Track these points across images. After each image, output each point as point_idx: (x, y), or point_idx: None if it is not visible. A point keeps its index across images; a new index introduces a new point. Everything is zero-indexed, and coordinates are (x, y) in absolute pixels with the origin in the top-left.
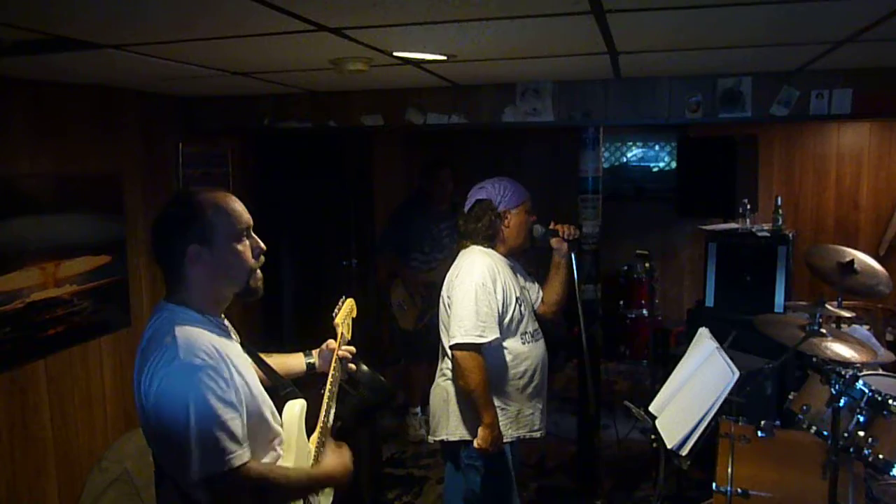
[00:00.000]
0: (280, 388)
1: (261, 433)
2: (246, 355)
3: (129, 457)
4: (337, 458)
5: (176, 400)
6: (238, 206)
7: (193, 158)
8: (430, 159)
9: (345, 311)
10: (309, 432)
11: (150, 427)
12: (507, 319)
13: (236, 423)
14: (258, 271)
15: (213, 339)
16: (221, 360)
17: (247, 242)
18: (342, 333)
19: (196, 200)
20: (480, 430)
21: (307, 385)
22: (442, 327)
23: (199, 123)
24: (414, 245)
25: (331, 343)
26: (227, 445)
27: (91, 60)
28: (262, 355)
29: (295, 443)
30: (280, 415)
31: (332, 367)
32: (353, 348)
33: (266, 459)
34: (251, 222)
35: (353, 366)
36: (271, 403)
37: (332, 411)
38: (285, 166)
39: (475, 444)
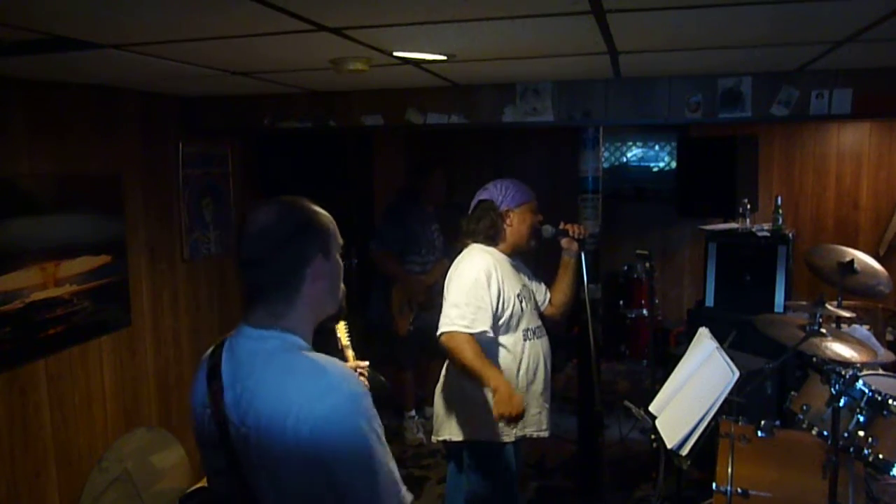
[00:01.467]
0: None
1: None
2: None
3: (129, 457)
4: None
5: (354, 434)
6: None
7: (193, 158)
8: (423, 158)
9: (344, 333)
10: None
11: (302, 469)
12: (506, 315)
13: (389, 454)
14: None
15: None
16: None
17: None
18: (353, 356)
19: (311, 208)
20: (495, 399)
21: None
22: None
23: (199, 123)
24: (412, 248)
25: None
26: (399, 480)
27: (91, 60)
28: None
29: None
30: None
31: None
32: (365, 363)
33: None
34: None
35: (367, 382)
36: None
37: None
38: (285, 166)
39: (495, 415)
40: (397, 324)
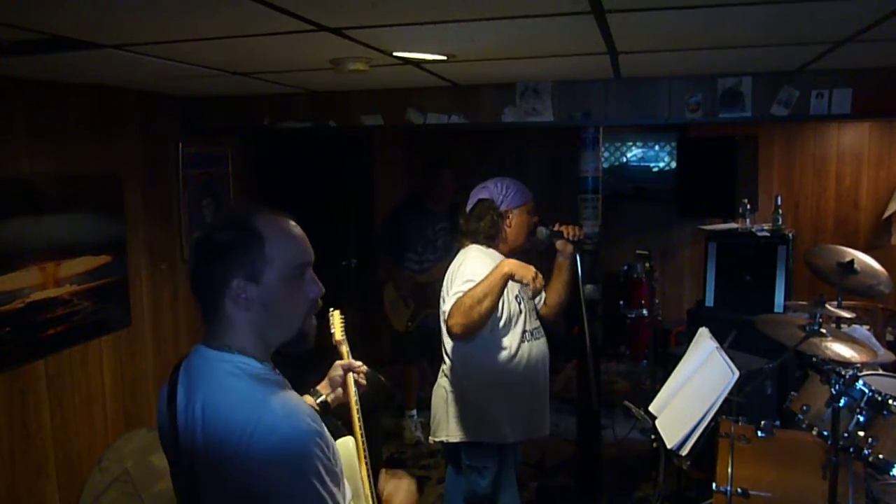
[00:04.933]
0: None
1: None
2: None
3: (129, 457)
4: (406, 493)
5: (287, 478)
6: (301, 236)
7: (193, 158)
8: (432, 159)
9: (339, 325)
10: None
11: (242, 500)
12: (504, 316)
13: (340, 496)
14: (313, 317)
15: (293, 393)
16: (316, 417)
17: (303, 281)
18: (348, 351)
19: (253, 224)
20: (514, 271)
21: None
22: (442, 325)
23: (199, 123)
24: (408, 245)
25: (338, 365)
26: None
27: (91, 60)
28: None
29: (356, 481)
30: None
31: (351, 394)
32: (360, 364)
33: None
34: (313, 258)
35: (363, 381)
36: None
37: (366, 441)
38: (285, 166)
39: (521, 280)
40: (391, 319)
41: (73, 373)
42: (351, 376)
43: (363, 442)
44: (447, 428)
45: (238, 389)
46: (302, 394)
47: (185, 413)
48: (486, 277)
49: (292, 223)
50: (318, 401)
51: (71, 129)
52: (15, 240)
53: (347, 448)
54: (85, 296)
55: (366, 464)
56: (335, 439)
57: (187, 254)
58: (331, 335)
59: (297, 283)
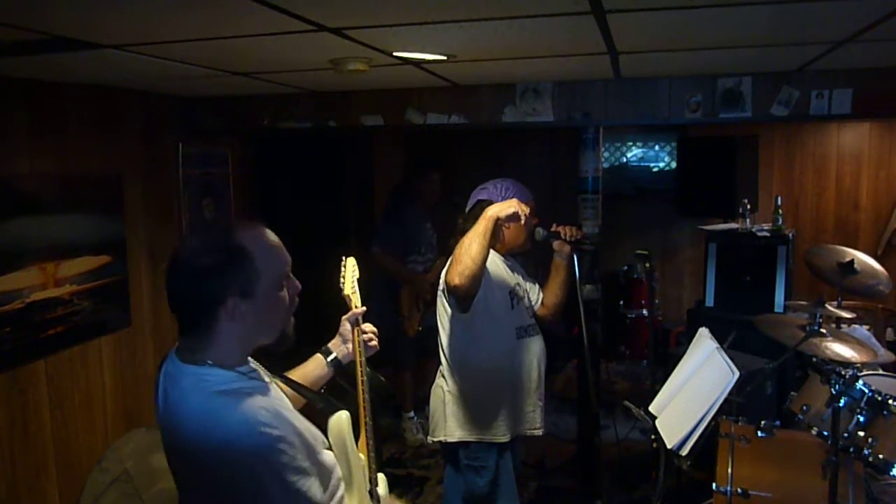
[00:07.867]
0: (321, 404)
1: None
2: (279, 390)
3: (129, 457)
4: None
5: (252, 488)
6: (280, 243)
7: (193, 158)
8: (420, 160)
9: (350, 276)
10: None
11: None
12: (497, 312)
13: (315, 487)
14: (292, 318)
15: (257, 399)
16: (278, 421)
17: (286, 284)
18: (356, 305)
19: (238, 244)
20: (494, 211)
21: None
22: (439, 323)
23: (199, 123)
24: (413, 247)
25: (345, 320)
26: None
27: (91, 60)
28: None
29: (348, 458)
30: (326, 434)
31: (357, 353)
32: (362, 310)
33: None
34: (290, 260)
35: (374, 342)
36: (316, 431)
37: (369, 402)
38: (285, 166)
39: (509, 209)
40: (406, 325)
41: (73, 373)
42: (356, 331)
43: (365, 401)
44: (444, 427)
45: (197, 404)
46: (314, 352)
47: (161, 412)
48: (473, 230)
49: (269, 232)
50: (330, 359)
51: (71, 130)
52: (15, 240)
53: (339, 423)
54: (85, 296)
55: (368, 425)
56: (329, 415)
57: (168, 273)
58: (341, 287)
59: (282, 289)
